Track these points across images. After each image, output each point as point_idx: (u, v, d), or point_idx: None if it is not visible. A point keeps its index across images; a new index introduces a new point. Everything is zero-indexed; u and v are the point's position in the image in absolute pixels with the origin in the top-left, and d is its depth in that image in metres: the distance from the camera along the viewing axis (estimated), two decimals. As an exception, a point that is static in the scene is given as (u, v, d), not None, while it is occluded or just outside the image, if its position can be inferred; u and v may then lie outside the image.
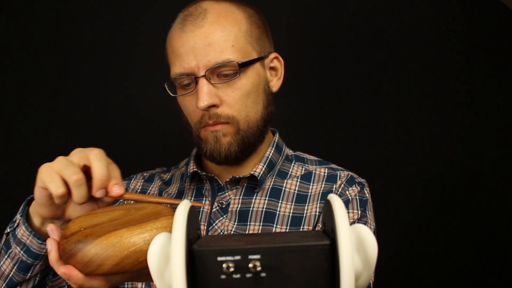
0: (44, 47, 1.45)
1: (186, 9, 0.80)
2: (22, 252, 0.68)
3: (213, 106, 0.76)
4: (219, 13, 0.77)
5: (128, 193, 0.63)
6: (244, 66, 0.76)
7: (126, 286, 0.84)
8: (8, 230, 0.71)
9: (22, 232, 0.67)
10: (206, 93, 0.75)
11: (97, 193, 0.60)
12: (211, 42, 0.75)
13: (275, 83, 0.85)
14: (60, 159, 0.61)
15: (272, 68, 0.85)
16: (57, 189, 0.59)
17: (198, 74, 0.76)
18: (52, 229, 0.57)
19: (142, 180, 0.93)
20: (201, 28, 0.75)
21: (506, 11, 1.48)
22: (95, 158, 0.60)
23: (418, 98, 1.51)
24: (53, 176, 0.59)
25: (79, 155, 0.61)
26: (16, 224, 0.69)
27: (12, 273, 0.70)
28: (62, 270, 0.53)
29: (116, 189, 0.61)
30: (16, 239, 0.68)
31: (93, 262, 0.51)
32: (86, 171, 0.61)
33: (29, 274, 0.70)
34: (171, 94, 0.81)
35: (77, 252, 0.52)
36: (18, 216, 0.69)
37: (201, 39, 0.75)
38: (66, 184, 0.59)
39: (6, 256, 0.70)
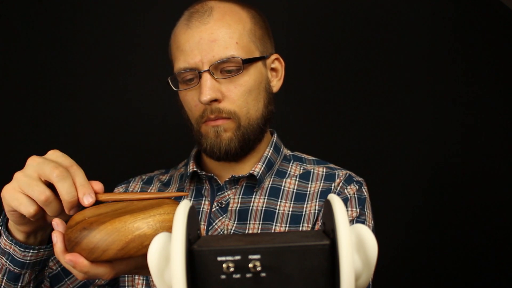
0: (44, 46, 1.45)
1: (192, 7, 0.81)
2: (8, 262, 0.67)
3: (215, 101, 0.77)
4: (224, 11, 0.79)
5: (102, 194, 0.59)
6: (247, 62, 0.78)
7: (126, 285, 0.84)
8: None
9: (4, 241, 0.66)
10: (209, 87, 0.76)
11: (71, 212, 0.58)
12: (216, 38, 0.76)
13: (276, 84, 0.86)
14: (19, 177, 0.58)
15: (273, 69, 0.86)
16: (29, 210, 0.57)
17: (202, 69, 0.77)
18: (57, 223, 0.57)
19: (141, 183, 0.93)
20: (206, 25, 0.77)
21: (506, 11, 1.48)
22: (58, 179, 0.56)
23: (417, 98, 1.51)
24: (20, 198, 0.57)
25: (38, 170, 0.58)
26: None
27: (3, 284, 0.69)
28: (68, 257, 0.53)
29: (87, 199, 0.57)
30: (0, 249, 0.67)
31: (98, 248, 0.52)
32: (50, 184, 0.58)
33: (20, 284, 0.69)
34: (174, 89, 0.82)
35: (82, 239, 0.53)
36: None
37: (206, 35, 0.76)
38: (34, 201, 0.58)
39: None
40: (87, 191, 0.58)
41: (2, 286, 0.69)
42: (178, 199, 0.88)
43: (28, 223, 0.62)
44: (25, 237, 0.65)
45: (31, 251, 0.66)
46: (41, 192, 0.57)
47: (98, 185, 0.60)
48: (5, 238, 0.66)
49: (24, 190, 0.57)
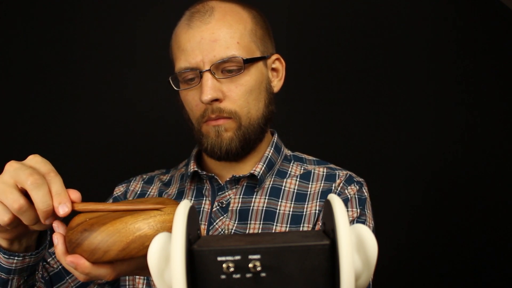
0: (43, 46, 1.45)
1: (193, 7, 0.81)
2: None
3: (216, 100, 0.77)
4: (225, 11, 0.79)
5: (78, 204, 0.56)
6: (248, 62, 0.78)
7: (127, 285, 0.84)
8: None
9: None
10: (210, 87, 0.76)
11: (46, 222, 0.56)
12: (217, 38, 0.76)
13: (276, 84, 0.87)
14: None
15: (273, 69, 0.86)
16: (3, 218, 0.55)
17: (203, 68, 0.77)
18: (58, 225, 0.57)
19: (142, 182, 0.93)
20: (207, 24, 0.77)
21: (506, 11, 1.48)
22: (32, 187, 0.54)
23: (417, 98, 1.51)
24: None
25: (14, 176, 0.55)
26: None
27: None
28: (69, 259, 0.53)
29: (63, 209, 0.54)
30: None
31: (100, 249, 0.52)
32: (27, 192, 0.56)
33: None
34: (175, 88, 0.82)
35: (84, 241, 0.52)
36: None
37: (207, 35, 0.76)
38: (9, 209, 0.55)
39: None
40: (63, 200, 0.55)
41: None
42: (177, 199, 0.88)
43: (8, 231, 0.60)
44: (8, 244, 0.64)
45: (16, 258, 0.65)
46: (14, 200, 0.54)
47: (75, 194, 0.57)
48: None
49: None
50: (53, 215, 0.56)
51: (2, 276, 0.67)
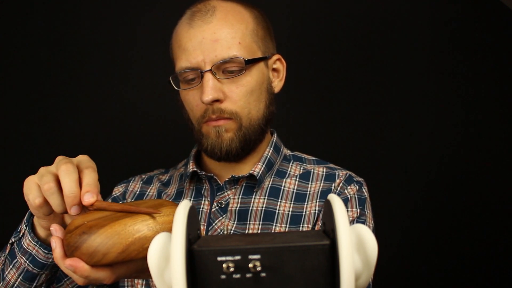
0: (44, 45, 1.45)
1: (195, 6, 0.81)
2: (28, 262, 0.68)
3: (217, 101, 0.77)
4: (227, 11, 0.79)
5: (100, 201, 0.57)
6: (250, 63, 0.78)
7: (125, 285, 0.84)
8: (13, 240, 0.71)
9: (28, 242, 0.67)
10: (211, 87, 0.76)
11: (71, 211, 0.58)
12: (218, 38, 0.76)
13: (277, 84, 0.86)
14: (40, 170, 0.60)
15: (274, 69, 0.86)
16: (34, 199, 0.58)
17: (204, 68, 0.76)
18: (55, 229, 0.57)
19: (141, 182, 0.93)
20: (209, 24, 0.77)
21: (506, 11, 1.48)
22: (63, 174, 0.57)
23: (417, 98, 1.51)
24: (31, 187, 0.59)
25: (56, 165, 0.60)
26: (21, 234, 0.69)
27: (17, 283, 0.70)
28: (68, 262, 0.53)
29: (88, 197, 0.57)
30: (22, 249, 0.68)
31: (99, 252, 0.52)
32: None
33: (34, 284, 0.70)
34: (175, 88, 0.82)
35: (82, 244, 0.52)
36: (23, 226, 0.69)
37: (209, 35, 0.76)
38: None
39: (11, 266, 0.70)
40: (91, 190, 0.57)
41: (15, 285, 0.70)
42: (177, 201, 0.88)
43: (46, 217, 0.63)
44: (46, 234, 0.66)
45: None
46: (46, 181, 0.57)
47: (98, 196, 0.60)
48: (30, 239, 0.67)
49: (37, 180, 0.59)
50: (79, 205, 0.58)
51: (34, 270, 0.68)
